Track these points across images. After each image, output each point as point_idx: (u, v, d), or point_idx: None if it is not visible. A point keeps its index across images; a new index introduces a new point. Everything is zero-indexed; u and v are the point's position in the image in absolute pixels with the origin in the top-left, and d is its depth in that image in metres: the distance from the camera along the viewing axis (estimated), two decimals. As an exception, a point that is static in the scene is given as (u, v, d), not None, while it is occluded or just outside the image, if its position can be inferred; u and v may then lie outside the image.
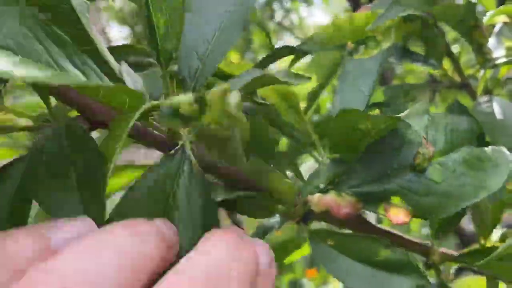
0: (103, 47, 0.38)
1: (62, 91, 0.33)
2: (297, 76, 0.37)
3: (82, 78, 0.30)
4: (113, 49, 0.48)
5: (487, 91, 0.61)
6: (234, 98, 0.32)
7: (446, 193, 0.41)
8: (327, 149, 0.45)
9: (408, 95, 0.61)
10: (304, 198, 0.42)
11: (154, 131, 0.37)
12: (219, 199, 0.40)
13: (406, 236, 0.51)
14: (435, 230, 0.50)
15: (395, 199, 0.41)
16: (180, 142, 0.35)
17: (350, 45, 0.46)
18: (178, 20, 0.35)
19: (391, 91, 0.60)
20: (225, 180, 0.42)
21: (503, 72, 0.60)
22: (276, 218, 0.51)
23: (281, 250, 0.60)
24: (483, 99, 0.58)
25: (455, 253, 0.52)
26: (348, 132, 0.41)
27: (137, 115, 0.30)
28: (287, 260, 0.61)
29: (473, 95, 0.62)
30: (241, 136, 0.32)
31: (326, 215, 0.41)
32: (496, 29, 0.58)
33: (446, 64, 0.60)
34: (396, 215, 0.41)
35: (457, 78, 0.60)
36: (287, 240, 0.56)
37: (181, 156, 0.34)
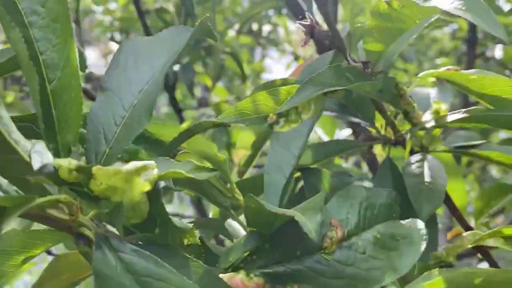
0: (9, 134, 0.38)
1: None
2: (203, 169, 0.37)
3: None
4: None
5: (423, 148, 0.62)
6: (145, 177, 0.33)
7: (354, 276, 0.41)
8: (246, 221, 0.46)
9: (344, 151, 0.61)
10: (217, 277, 0.42)
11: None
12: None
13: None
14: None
15: (304, 282, 0.41)
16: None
17: (272, 117, 0.46)
18: (79, 111, 0.35)
19: (326, 148, 0.60)
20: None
21: (437, 131, 0.61)
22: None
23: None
24: (415, 158, 0.59)
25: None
26: (259, 213, 0.42)
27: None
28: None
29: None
30: (136, 216, 0.32)
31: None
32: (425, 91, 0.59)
33: (381, 121, 0.60)
34: (303, 297, 0.41)
35: (391, 135, 0.60)
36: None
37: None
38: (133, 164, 0.33)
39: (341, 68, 0.47)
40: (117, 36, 1.75)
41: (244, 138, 0.67)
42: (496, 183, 0.89)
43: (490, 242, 0.51)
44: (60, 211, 0.37)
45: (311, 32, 0.51)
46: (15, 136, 0.39)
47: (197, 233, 0.41)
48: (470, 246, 0.53)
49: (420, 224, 0.46)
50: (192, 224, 0.41)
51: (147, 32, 1.37)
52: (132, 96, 0.41)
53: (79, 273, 0.42)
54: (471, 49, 1.69)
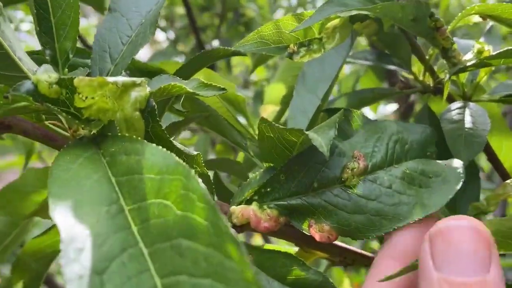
0: (14, 51, 0.37)
1: None
2: (209, 86, 0.34)
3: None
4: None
5: (465, 97, 0.57)
6: (136, 94, 0.30)
7: (378, 212, 0.38)
8: (262, 157, 0.43)
9: (378, 100, 0.57)
10: (229, 210, 0.40)
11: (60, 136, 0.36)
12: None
13: (357, 250, 0.48)
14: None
15: (322, 216, 0.38)
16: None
17: (292, 47, 0.43)
18: (77, 19, 0.34)
19: (361, 95, 0.56)
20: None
21: (482, 76, 0.55)
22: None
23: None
24: (456, 105, 0.54)
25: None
26: (273, 141, 0.39)
27: None
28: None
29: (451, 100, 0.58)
30: (133, 133, 0.30)
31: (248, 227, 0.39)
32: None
33: (419, 67, 0.56)
34: (320, 232, 0.38)
35: (430, 82, 0.56)
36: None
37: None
38: (121, 79, 0.31)
39: (367, -10, 0.43)
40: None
41: (273, 93, 0.64)
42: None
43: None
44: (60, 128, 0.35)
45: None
46: (20, 54, 0.38)
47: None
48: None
49: (457, 163, 0.42)
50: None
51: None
52: (140, 17, 0.39)
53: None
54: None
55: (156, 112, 0.32)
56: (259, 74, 1.43)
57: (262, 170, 0.42)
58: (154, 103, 0.32)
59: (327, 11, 0.40)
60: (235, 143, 0.48)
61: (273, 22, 0.43)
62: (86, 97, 0.29)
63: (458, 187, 0.39)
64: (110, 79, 0.30)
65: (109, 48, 0.37)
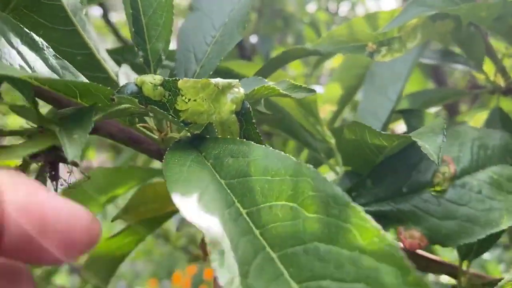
0: (98, 51, 0.36)
1: (38, 91, 0.31)
2: (300, 88, 0.33)
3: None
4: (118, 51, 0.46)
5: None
6: (232, 96, 0.29)
7: (469, 218, 0.36)
8: (341, 160, 0.42)
9: (445, 100, 0.56)
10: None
11: (147, 138, 0.35)
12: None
13: (432, 257, 0.46)
14: (463, 253, 0.46)
15: (412, 222, 0.37)
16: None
17: (371, 45, 0.42)
18: (170, 20, 0.33)
19: (426, 96, 0.55)
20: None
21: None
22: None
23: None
24: (530, 107, 0.52)
25: (489, 277, 0.47)
26: (360, 145, 0.37)
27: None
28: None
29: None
30: (229, 135, 0.29)
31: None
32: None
33: (490, 67, 0.54)
34: (410, 239, 0.37)
35: (501, 82, 0.54)
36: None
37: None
38: (220, 80, 0.30)
39: (451, -8, 0.42)
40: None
41: (330, 92, 0.63)
42: None
43: None
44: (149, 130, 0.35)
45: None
46: (103, 55, 0.37)
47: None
48: None
49: (545, 168, 0.40)
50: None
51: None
52: (223, 15, 0.38)
53: (165, 205, 0.40)
54: None
55: (252, 114, 0.31)
56: (296, 69, 1.40)
57: (342, 174, 0.41)
58: (249, 105, 0.31)
59: (413, 12, 0.38)
60: (306, 145, 0.47)
61: (346, 24, 0.42)
62: (189, 99, 0.29)
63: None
64: (212, 80, 0.29)
65: (193, 48, 0.37)
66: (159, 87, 0.28)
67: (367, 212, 0.37)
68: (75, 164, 0.33)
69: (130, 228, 0.43)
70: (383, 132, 0.33)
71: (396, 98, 0.48)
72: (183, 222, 0.56)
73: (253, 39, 1.32)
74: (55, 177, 0.31)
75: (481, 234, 0.36)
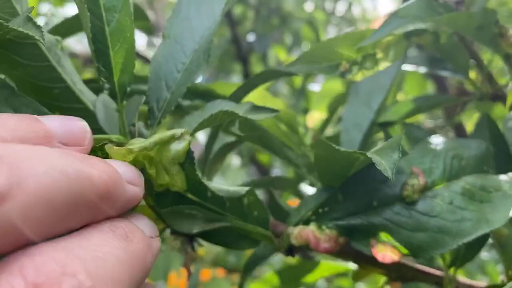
0: (74, 84, 0.38)
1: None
2: (261, 110, 0.34)
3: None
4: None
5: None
6: (176, 146, 0.31)
7: (440, 229, 0.37)
8: (318, 175, 0.43)
9: (435, 107, 0.56)
10: (287, 231, 0.40)
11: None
12: (197, 230, 0.39)
13: (417, 266, 0.47)
14: (448, 261, 0.46)
15: (383, 235, 0.37)
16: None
17: (344, 65, 0.43)
18: (133, 53, 0.35)
19: (416, 103, 0.55)
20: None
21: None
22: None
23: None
24: (517, 112, 0.52)
25: (477, 284, 0.47)
26: (330, 160, 0.38)
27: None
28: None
29: (512, 106, 0.55)
30: (175, 184, 0.30)
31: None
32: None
33: (477, 74, 0.54)
34: (383, 252, 0.37)
35: (488, 89, 0.54)
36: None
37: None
38: (156, 137, 0.30)
39: (432, 1, 0.42)
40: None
41: (318, 101, 0.63)
42: None
43: None
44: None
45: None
46: (80, 86, 0.39)
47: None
48: None
49: (517, 176, 0.40)
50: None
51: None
52: (194, 43, 0.39)
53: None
54: None
55: (195, 164, 0.32)
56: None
57: (317, 189, 0.42)
58: (194, 155, 0.31)
59: (393, 24, 0.39)
60: (287, 161, 0.48)
61: (325, 41, 0.43)
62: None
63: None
64: (137, 145, 0.29)
65: (164, 76, 0.38)
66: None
67: (339, 226, 0.38)
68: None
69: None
70: (342, 150, 0.34)
71: (377, 109, 0.49)
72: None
73: (250, 37, 1.32)
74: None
75: (452, 245, 0.36)
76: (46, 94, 0.37)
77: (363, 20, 1.89)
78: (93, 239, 0.23)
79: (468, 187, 0.38)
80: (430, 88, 0.91)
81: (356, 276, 0.48)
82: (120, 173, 0.25)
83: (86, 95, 0.39)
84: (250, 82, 0.42)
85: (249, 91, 0.42)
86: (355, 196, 0.38)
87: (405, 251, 0.37)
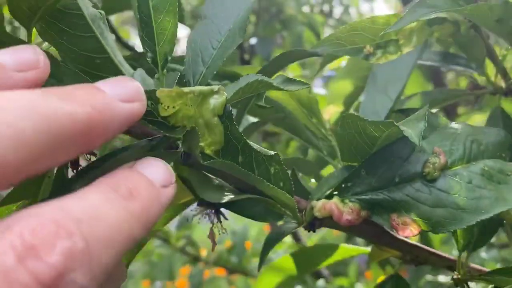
0: (115, 56, 0.40)
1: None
2: (293, 82, 0.36)
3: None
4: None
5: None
6: (214, 101, 0.33)
7: (459, 206, 0.38)
8: (340, 156, 0.45)
9: (448, 101, 0.58)
10: (310, 204, 0.42)
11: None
12: (226, 200, 0.41)
13: (431, 250, 0.48)
14: (462, 245, 0.47)
15: (404, 210, 0.39)
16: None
17: (368, 48, 0.45)
18: (175, 25, 0.37)
19: (428, 97, 0.57)
20: (234, 183, 0.42)
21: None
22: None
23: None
24: (530, 106, 0.54)
25: (486, 270, 0.49)
26: (354, 138, 0.40)
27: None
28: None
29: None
30: (213, 140, 0.32)
31: (331, 222, 0.40)
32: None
33: (491, 68, 0.56)
34: (404, 227, 0.39)
35: (502, 84, 0.56)
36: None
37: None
38: (198, 88, 0.33)
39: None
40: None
41: (335, 93, 0.65)
42: None
43: None
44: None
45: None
46: (120, 59, 0.41)
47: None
48: None
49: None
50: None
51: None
52: (228, 22, 0.41)
53: (180, 197, 0.43)
54: None
55: (233, 117, 0.34)
56: (294, 71, 1.43)
57: (340, 167, 0.44)
58: (230, 108, 0.34)
59: (418, 13, 0.41)
60: (309, 143, 0.50)
61: (345, 26, 0.45)
62: (168, 107, 0.32)
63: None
64: (186, 89, 0.32)
65: (201, 52, 0.40)
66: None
67: (361, 200, 0.40)
68: (93, 153, 0.37)
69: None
70: (371, 120, 0.36)
71: (395, 97, 0.51)
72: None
73: (252, 41, 1.34)
74: (75, 165, 0.35)
75: (470, 221, 0.38)
76: (89, 63, 0.39)
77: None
78: (92, 199, 0.23)
79: (487, 169, 0.40)
80: (430, 87, 0.92)
81: (372, 257, 0.50)
82: (110, 95, 0.26)
83: (125, 67, 0.41)
84: (275, 62, 0.44)
85: (276, 70, 0.44)
86: (378, 172, 0.40)
87: (424, 226, 0.39)
